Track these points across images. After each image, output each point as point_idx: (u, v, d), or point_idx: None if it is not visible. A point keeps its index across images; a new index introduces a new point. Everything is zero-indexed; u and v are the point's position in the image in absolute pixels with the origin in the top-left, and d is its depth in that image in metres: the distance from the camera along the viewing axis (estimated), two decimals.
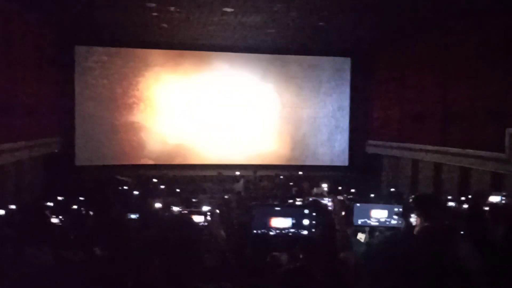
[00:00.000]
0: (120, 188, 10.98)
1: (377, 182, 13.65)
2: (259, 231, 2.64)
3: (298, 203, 6.71)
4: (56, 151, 12.67)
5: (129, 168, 13.95)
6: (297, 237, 2.61)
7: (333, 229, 2.87)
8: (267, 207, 2.72)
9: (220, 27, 12.07)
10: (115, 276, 2.98)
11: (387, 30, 12.19)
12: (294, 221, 2.61)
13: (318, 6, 10.14)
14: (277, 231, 2.63)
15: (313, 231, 2.60)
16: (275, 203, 4.73)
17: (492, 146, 9.11)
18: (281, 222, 2.61)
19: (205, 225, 5.04)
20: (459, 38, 10.47)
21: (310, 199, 5.55)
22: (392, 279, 2.63)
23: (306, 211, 2.62)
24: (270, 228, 2.63)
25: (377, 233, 3.87)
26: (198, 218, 5.26)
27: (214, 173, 13.40)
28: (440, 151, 11.00)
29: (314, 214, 2.59)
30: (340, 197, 7.74)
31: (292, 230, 2.62)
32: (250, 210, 2.75)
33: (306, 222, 2.60)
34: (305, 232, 2.62)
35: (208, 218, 5.40)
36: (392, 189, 11.11)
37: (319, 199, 6.13)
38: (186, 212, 6.01)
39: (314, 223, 2.59)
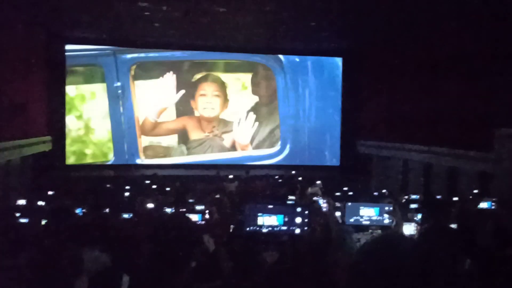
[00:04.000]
0: (110, 187, 10.93)
1: (368, 182, 13.71)
2: (251, 229, 2.65)
3: (289, 202, 6.72)
4: (46, 150, 12.59)
5: (121, 167, 13.89)
6: (289, 235, 2.63)
7: (327, 229, 2.89)
8: (260, 205, 2.73)
9: (212, 27, 12.07)
10: (108, 273, 2.98)
11: (378, 31, 12.25)
12: (286, 219, 2.62)
13: (310, 7, 10.17)
14: (269, 229, 2.64)
15: (305, 230, 2.62)
16: (268, 201, 4.76)
17: (481, 146, 9.19)
18: (273, 220, 2.63)
19: (202, 224, 5.04)
20: (449, 39, 10.55)
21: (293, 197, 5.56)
22: (385, 280, 2.65)
23: (299, 209, 2.64)
24: (262, 226, 2.64)
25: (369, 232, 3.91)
26: (194, 217, 5.26)
27: (206, 172, 13.39)
28: (430, 151, 11.07)
29: (306, 212, 2.61)
30: (337, 204, 7.79)
31: (284, 228, 2.63)
32: (243, 208, 2.76)
33: (298, 220, 2.62)
34: (297, 231, 2.63)
35: (207, 216, 5.40)
36: (384, 191, 11.17)
37: (313, 198, 6.16)
38: (183, 210, 6.03)
39: (306, 222, 2.61)
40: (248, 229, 2.64)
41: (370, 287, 2.61)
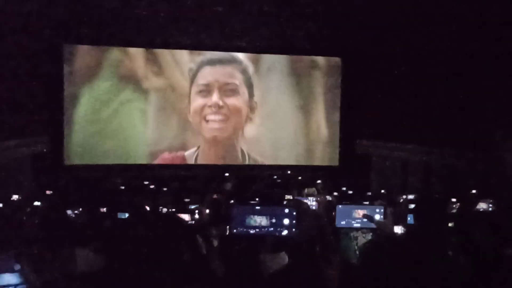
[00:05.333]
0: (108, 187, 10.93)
1: (367, 182, 13.67)
2: (238, 230, 2.61)
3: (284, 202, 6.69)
4: (44, 150, 12.56)
5: (119, 167, 13.86)
6: (277, 237, 2.59)
7: (317, 229, 2.85)
8: (247, 206, 2.69)
9: (209, 26, 12.05)
10: (104, 273, 2.95)
11: (378, 30, 12.21)
12: (274, 221, 2.58)
13: (309, 6, 10.15)
14: (256, 230, 2.60)
15: (293, 231, 2.58)
16: (255, 202, 4.73)
17: (480, 146, 9.17)
18: (260, 221, 2.59)
19: (193, 224, 5.02)
20: (449, 39, 10.51)
21: (290, 197, 5.54)
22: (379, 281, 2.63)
23: (286, 211, 2.60)
24: (249, 227, 2.60)
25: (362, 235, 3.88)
26: (186, 217, 5.26)
27: (204, 173, 13.35)
28: (429, 151, 11.05)
29: (294, 213, 2.57)
30: (328, 197, 7.75)
31: (271, 229, 2.59)
32: (230, 209, 2.73)
33: (286, 221, 2.58)
34: (285, 232, 2.59)
35: (196, 216, 5.38)
36: (382, 191, 11.15)
37: (302, 198, 6.12)
38: (173, 210, 6.00)
39: (294, 223, 2.57)
40: (234, 230, 2.61)
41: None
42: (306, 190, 9.97)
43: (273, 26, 11.97)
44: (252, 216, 2.53)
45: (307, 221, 2.75)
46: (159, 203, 7.36)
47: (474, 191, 8.95)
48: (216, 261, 2.89)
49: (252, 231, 2.55)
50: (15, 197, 8.03)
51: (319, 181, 10.94)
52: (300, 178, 13.23)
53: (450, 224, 4.83)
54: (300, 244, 2.63)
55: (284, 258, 3.03)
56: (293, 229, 2.52)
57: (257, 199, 8.34)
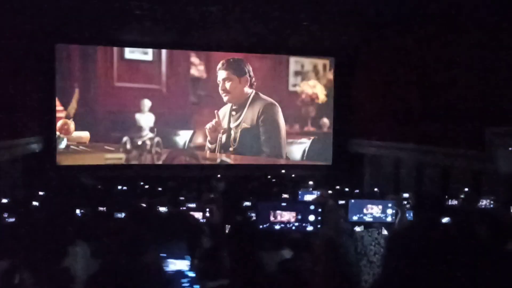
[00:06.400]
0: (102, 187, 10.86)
1: (360, 181, 13.76)
2: (264, 226, 2.64)
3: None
4: (37, 151, 12.43)
5: (112, 167, 13.77)
6: (302, 232, 2.63)
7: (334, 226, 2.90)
8: (272, 203, 2.73)
9: (203, 26, 12.03)
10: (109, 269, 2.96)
11: (369, 29, 12.31)
12: (299, 217, 2.62)
13: (302, 6, 10.19)
14: (282, 225, 2.64)
15: (318, 227, 2.62)
16: (281, 198, 4.77)
17: (472, 144, 9.26)
18: (286, 217, 2.63)
19: (204, 222, 5.05)
20: (439, 37, 10.61)
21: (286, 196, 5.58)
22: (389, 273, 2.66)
23: (312, 207, 2.63)
24: (275, 223, 2.64)
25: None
26: (196, 215, 5.28)
27: (200, 173, 13.33)
28: (421, 149, 11.14)
29: (320, 210, 2.61)
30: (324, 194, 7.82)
31: (296, 224, 2.63)
32: (256, 205, 2.76)
33: (312, 218, 2.62)
34: (310, 228, 2.63)
35: (207, 214, 5.41)
36: (376, 189, 11.24)
37: (306, 193, 6.18)
38: (184, 209, 6.03)
39: (319, 219, 2.60)
40: (261, 226, 2.64)
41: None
42: (301, 190, 10.05)
43: (265, 26, 11.99)
44: (277, 212, 2.57)
45: (331, 218, 2.79)
46: (155, 202, 7.36)
47: (466, 189, 9.06)
48: (221, 258, 2.92)
49: (277, 227, 2.59)
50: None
51: (310, 182, 11.01)
52: (293, 176, 13.29)
53: (446, 220, 4.92)
54: (321, 240, 2.68)
55: (287, 253, 3.07)
56: (318, 226, 2.55)
57: (250, 197, 8.41)
